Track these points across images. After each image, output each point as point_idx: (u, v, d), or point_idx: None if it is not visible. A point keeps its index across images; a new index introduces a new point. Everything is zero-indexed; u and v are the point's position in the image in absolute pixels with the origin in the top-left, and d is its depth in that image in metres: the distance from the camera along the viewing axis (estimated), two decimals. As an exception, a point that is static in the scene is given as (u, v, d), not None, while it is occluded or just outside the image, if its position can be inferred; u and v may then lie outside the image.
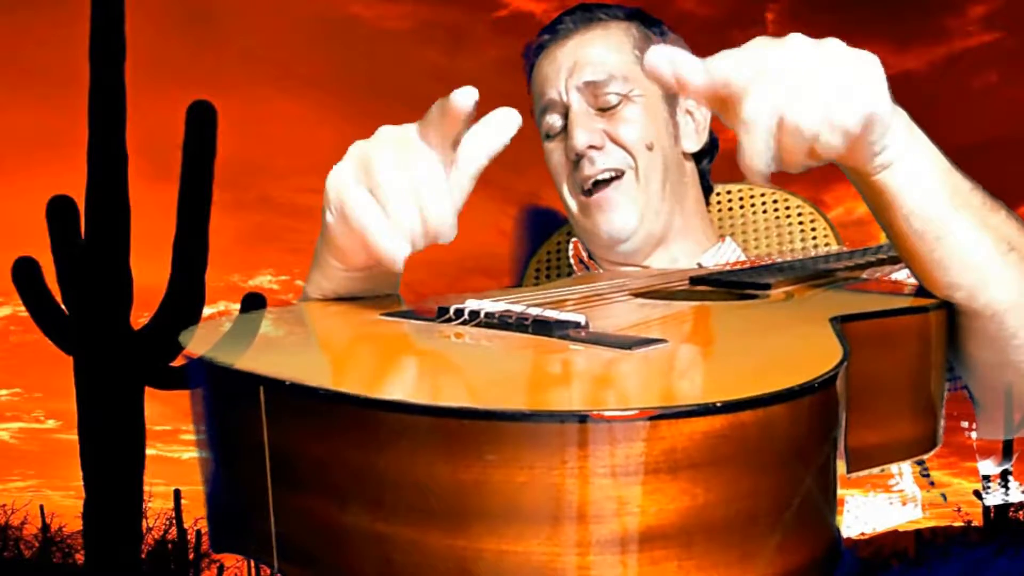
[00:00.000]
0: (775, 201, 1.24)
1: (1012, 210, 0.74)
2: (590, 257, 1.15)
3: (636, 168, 1.04)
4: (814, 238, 1.20)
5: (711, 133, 1.14)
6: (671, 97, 1.09)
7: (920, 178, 0.69)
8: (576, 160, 1.05)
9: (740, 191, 1.26)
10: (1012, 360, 0.75)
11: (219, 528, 0.58)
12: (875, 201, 0.72)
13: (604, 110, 1.05)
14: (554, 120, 1.08)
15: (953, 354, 0.78)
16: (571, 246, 1.19)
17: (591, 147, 1.03)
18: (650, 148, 1.05)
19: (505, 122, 0.71)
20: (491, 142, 0.71)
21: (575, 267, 1.18)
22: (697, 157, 1.14)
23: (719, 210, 1.26)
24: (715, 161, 1.18)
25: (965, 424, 0.86)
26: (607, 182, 1.04)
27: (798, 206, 1.23)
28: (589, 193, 1.05)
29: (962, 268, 0.71)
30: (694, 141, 1.11)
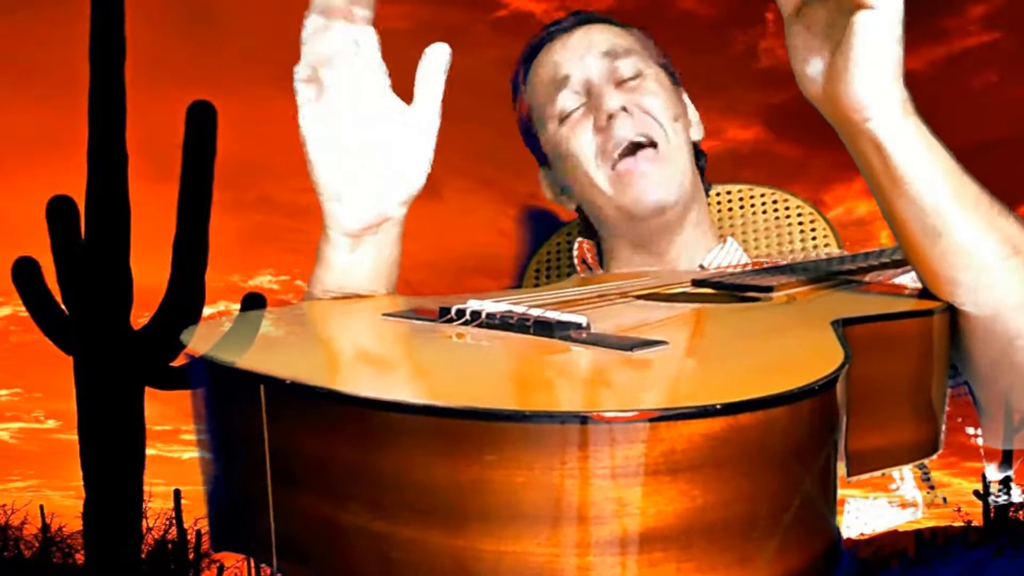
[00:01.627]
0: (775, 201, 1.24)
1: (1020, 217, 0.74)
2: (595, 258, 1.15)
3: (668, 139, 1.03)
4: (814, 238, 1.20)
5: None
6: (675, 85, 1.11)
7: (924, 165, 0.70)
8: (605, 126, 1.02)
9: (740, 191, 1.26)
10: (1012, 362, 0.75)
11: (219, 527, 0.58)
12: (880, 182, 0.72)
13: (621, 83, 1.05)
14: (570, 99, 1.06)
15: (955, 354, 0.78)
16: (575, 246, 1.19)
17: (623, 109, 1.02)
18: (676, 119, 1.05)
19: (437, 52, 0.80)
20: (440, 70, 0.80)
21: (578, 268, 1.18)
22: (695, 154, 1.15)
23: (719, 210, 1.26)
24: (716, 162, 1.19)
25: (970, 430, 0.86)
26: (639, 151, 1.02)
27: (798, 206, 1.23)
28: (615, 166, 1.02)
29: (964, 266, 0.72)
30: (698, 130, 1.13)
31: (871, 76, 0.68)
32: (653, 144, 1.02)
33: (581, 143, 1.04)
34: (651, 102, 1.04)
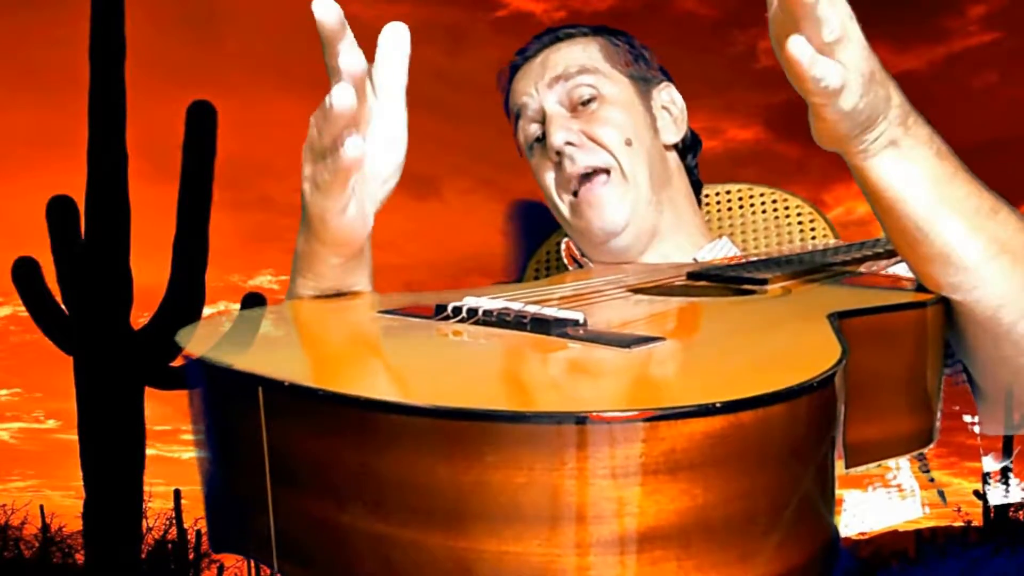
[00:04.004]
0: (774, 201, 1.24)
1: (1016, 209, 0.74)
2: (583, 255, 1.16)
3: (620, 165, 1.05)
4: (813, 238, 1.20)
5: (692, 130, 1.15)
6: (644, 92, 1.10)
7: (900, 184, 0.71)
8: (558, 160, 1.05)
9: (739, 191, 1.26)
10: (1009, 355, 0.76)
11: (218, 528, 0.58)
12: (865, 191, 0.74)
13: (580, 106, 1.06)
14: (532, 128, 1.10)
15: (954, 341, 0.78)
16: (564, 245, 1.19)
17: (568, 143, 1.04)
18: (629, 143, 1.05)
19: (395, 34, 0.75)
20: (399, 60, 0.75)
21: (569, 266, 1.18)
22: (681, 153, 1.14)
23: (719, 210, 1.26)
24: (716, 162, 1.18)
25: (968, 418, 0.87)
26: (592, 177, 1.05)
27: (798, 206, 1.23)
28: (576, 192, 1.06)
29: (946, 268, 0.73)
30: (673, 133, 1.12)
31: (830, 140, 0.71)
32: (606, 172, 1.05)
33: (544, 176, 1.09)
34: (601, 131, 1.05)
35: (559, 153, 1.04)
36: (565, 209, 1.08)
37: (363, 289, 0.84)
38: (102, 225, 3.96)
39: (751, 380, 0.49)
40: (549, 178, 1.09)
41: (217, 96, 3.99)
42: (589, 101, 1.06)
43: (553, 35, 1.12)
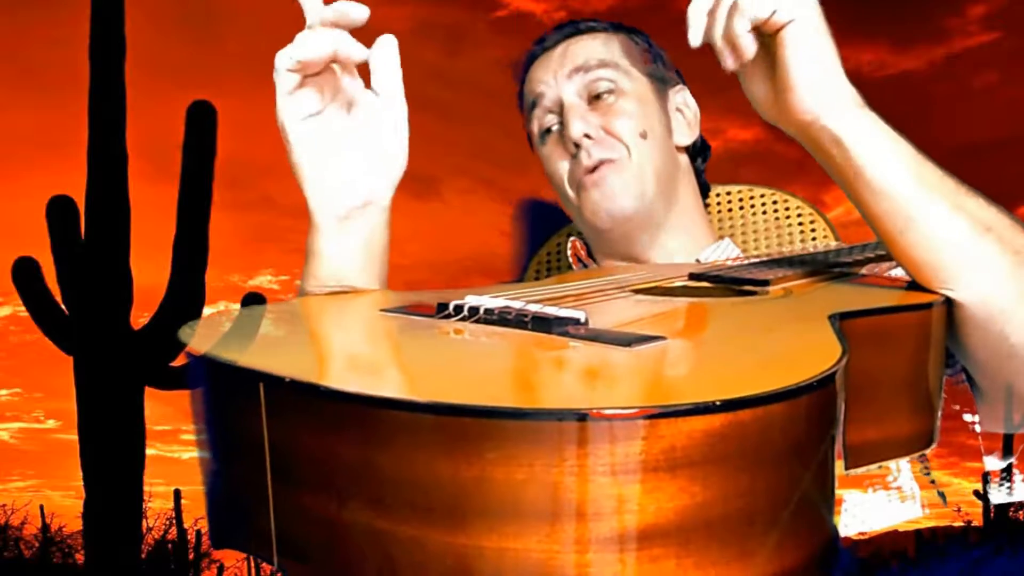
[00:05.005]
0: (775, 202, 1.24)
1: (992, 200, 0.75)
2: (589, 255, 1.16)
3: (631, 155, 1.05)
4: (814, 239, 1.20)
5: (702, 136, 1.15)
6: (661, 92, 1.11)
7: (883, 153, 0.73)
8: (575, 153, 1.06)
9: (740, 192, 1.26)
10: (1011, 345, 0.75)
11: (219, 525, 0.58)
12: (847, 177, 0.75)
13: (596, 99, 1.06)
14: (547, 118, 1.09)
15: (954, 348, 0.78)
16: (569, 244, 1.19)
17: (586, 136, 1.04)
18: (644, 136, 1.06)
19: (385, 41, 0.79)
20: (392, 54, 0.80)
21: (574, 266, 1.18)
22: (691, 157, 1.14)
23: (719, 211, 1.26)
24: (716, 162, 1.19)
25: (968, 417, 0.87)
26: (602, 165, 1.05)
27: (798, 207, 1.23)
28: (587, 174, 1.06)
29: (939, 248, 0.73)
30: (686, 135, 1.12)
31: (812, 78, 0.72)
32: (615, 161, 1.05)
33: (557, 167, 1.09)
34: (618, 123, 1.05)
35: (577, 145, 1.05)
36: (574, 197, 1.08)
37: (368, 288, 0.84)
38: (102, 225, 3.96)
39: (751, 379, 0.49)
40: (562, 168, 1.08)
41: (217, 96, 4.00)
42: (607, 94, 1.06)
43: (574, 27, 1.12)
